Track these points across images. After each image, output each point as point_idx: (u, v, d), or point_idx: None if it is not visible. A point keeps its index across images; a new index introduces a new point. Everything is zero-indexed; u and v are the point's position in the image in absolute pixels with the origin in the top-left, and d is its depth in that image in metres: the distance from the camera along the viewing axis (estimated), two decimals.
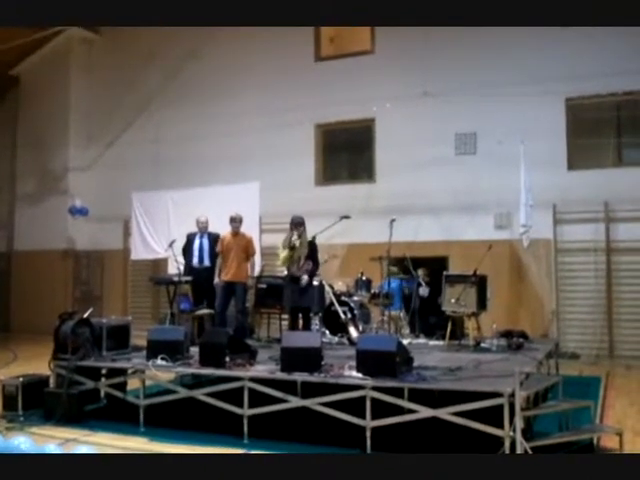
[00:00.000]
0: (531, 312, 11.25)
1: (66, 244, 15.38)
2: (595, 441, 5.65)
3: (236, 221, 9.12)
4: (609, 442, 5.69)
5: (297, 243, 8.10)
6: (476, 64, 11.97)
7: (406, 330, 9.51)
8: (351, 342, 8.37)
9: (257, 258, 11.37)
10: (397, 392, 5.73)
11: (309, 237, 8.34)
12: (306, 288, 8.21)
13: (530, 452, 4.95)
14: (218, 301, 8.97)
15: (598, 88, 11.12)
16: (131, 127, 15.12)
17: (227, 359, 6.54)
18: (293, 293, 8.16)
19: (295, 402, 6.04)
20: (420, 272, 10.21)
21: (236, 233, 9.14)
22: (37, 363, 8.21)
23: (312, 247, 8.28)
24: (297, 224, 8.22)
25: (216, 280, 9.07)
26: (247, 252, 9.12)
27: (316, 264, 8.36)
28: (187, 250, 9.94)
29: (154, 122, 14.69)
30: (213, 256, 9.40)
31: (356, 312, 9.12)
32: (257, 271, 11.10)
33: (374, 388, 5.63)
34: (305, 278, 8.10)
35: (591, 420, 6.03)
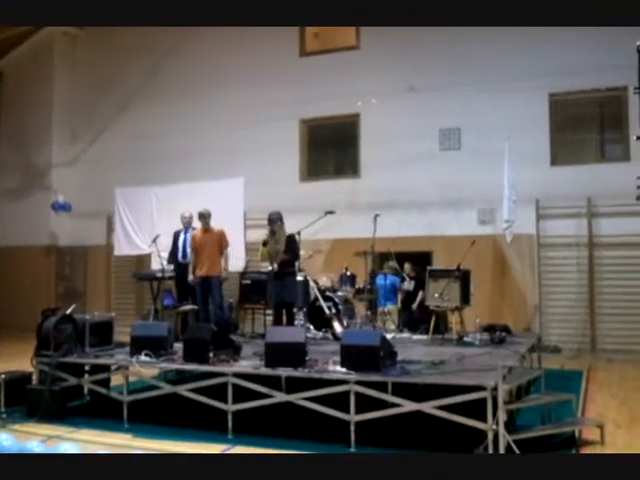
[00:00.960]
0: (514, 306, 11.32)
1: (49, 240, 15.27)
2: (577, 434, 5.73)
3: (205, 217, 9.04)
4: (590, 434, 5.78)
5: (272, 239, 8.15)
6: (461, 60, 11.97)
7: (391, 325, 9.55)
8: (335, 337, 8.39)
9: (241, 253, 11.39)
10: (381, 386, 5.77)
11: (294, 232, 8.36)
12: (290, 283, 8.22)
13: (513, 445, 4.99)
14: (198, 297, 8.94)
15: (582, 84, 11.17)
16: (115, 123, 14.98)
17: (211, 355, 6.53)
18: (277, 288, 8.16)
19: (279, 397, 6.05)
20: (406, 267, 10.28)
21: (206, 229, 9.07)
22: (20, 360, 8.13)
23: (290, 241, 8.30)
24: (272, 220, 8.28)
25: (190, 277, 9.01)
26: (220, 246, 9.04)
27: (294, 257, 8.39)
28: (175, 248, 9.91)
29: (138, 118, 14.56)
30: None
31: (340, 307, 9.14)
32: (241, 266, 11.11)
33: (358, 382, 5.65)
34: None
35: (573, 413, 6.09)
